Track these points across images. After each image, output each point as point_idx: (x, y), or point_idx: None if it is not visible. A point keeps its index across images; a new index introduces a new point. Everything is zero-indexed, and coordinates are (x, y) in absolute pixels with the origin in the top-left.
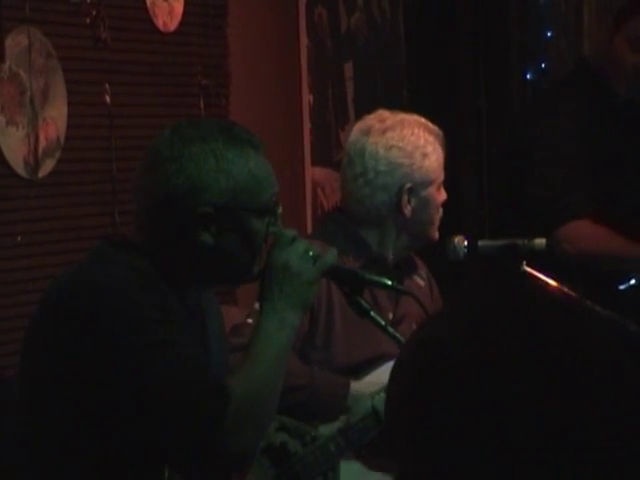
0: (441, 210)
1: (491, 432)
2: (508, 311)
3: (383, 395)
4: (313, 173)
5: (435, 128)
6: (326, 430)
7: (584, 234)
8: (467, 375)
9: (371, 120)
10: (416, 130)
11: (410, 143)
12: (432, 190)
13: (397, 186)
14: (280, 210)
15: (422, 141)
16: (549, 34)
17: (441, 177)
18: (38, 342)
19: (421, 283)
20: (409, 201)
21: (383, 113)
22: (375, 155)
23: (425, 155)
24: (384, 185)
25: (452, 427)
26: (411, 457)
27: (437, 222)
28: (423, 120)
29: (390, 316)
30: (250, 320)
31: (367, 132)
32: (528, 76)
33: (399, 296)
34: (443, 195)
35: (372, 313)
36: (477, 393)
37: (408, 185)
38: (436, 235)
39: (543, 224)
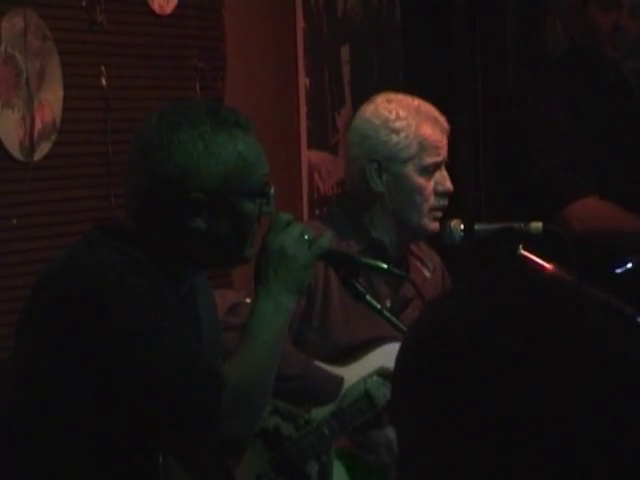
0: (438, 200)
1: (498, 414)
2: (511, 295)
3: (376, 378)
4: (309, 156)
5: (431, 113)
6: (319, 413)
7: (594, 211)
8: (472, 357)
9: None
10: (393, 106)
11: (379, 117)
12: (409, 170)
13: (364, 159)
14: (272, 191)
15: (393, 116)
16: (546, 16)
17: (425, 161)
18: (32, 326)
19: (426, 274)
20: (380, 177)
21: (392, 93)
22: (352, 128)
23: (393, 130)
24: (354, 157)
25: (458, 409)
26: (417, 438)
27: (424, 209)
28: (418, 103)
29: (388, 303)
30: (248, 300)
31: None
32: (525, 59)
33: (400, 283)
34: (444, 184)
35: (367, 297)
36: (483, 375)
37: (374, 158)
38: (427, 224)
39: (548, 205)
